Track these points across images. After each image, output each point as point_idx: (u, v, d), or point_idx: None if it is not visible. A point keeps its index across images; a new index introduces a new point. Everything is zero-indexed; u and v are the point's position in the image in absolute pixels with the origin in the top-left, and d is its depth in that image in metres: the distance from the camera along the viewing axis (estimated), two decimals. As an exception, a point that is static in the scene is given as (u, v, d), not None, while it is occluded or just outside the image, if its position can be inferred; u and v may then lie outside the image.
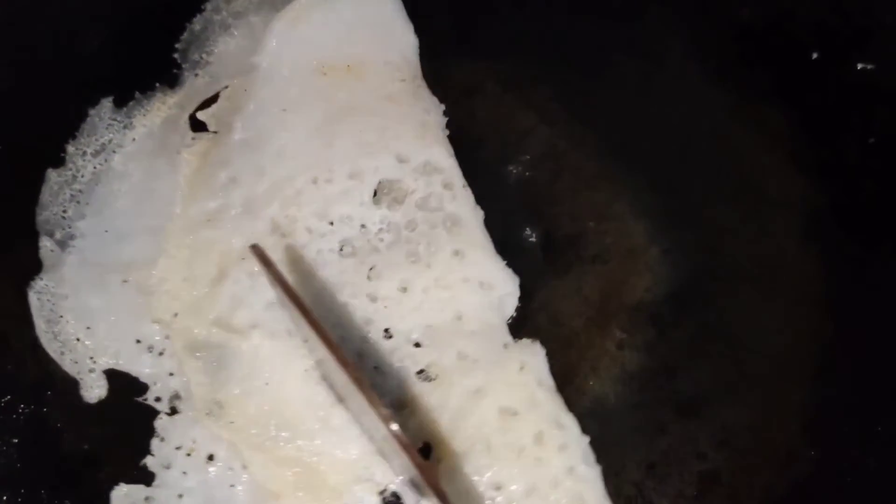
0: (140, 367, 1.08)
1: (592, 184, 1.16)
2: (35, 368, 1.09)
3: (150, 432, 1.05)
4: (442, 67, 1.22)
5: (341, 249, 1.09)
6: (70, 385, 1.08)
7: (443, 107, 1.17)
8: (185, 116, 1.20)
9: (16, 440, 1.05)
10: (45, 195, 1.15)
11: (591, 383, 1.07)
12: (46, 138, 1.17)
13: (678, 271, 1.11)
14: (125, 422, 1.07)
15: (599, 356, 1.08)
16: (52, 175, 1.16)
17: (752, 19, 1.17)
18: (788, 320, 1.08)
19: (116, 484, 1.03)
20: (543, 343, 1.05)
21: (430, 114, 1.16)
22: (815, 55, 1.12)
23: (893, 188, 1.07)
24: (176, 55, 1.24)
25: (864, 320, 1.05)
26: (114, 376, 1.08)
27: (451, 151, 1.14)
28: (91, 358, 1.08)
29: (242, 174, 1.14)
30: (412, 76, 1.19)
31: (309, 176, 1.12)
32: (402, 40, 1.20)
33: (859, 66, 1.09)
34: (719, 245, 1.12)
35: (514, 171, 1.18)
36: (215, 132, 1.17)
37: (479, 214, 1.11)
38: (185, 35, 1.25)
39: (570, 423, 1.00)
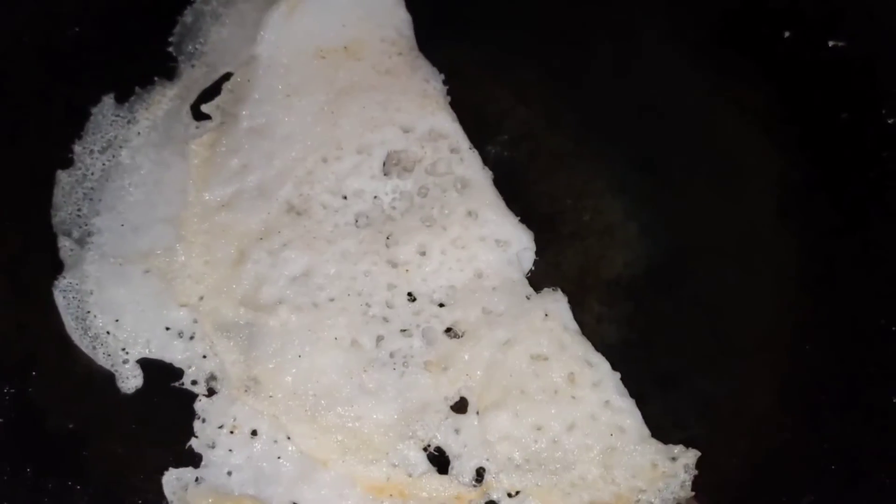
0: (173, 353, 1.10)
1: (570, 163, 1.18)
2: (19, 349, 1.10)
3: (191, 415, 1.07)
4: (420, 49, 1.24)
5: (356, 222, 1.12)
6: (53, 365, 1.09)
7: (442, 75, 1.21)
8: (187, 107, 1.21)
9: (1, 420, 1.06)
10: (58, 196, 1.16)
11: (571, 356, 1.06)
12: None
13: (656, 247, 1.13)
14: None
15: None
16: (63, 176, 1.17)
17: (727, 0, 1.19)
18: (766, 294, 1.09)
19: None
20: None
21: (430, 82, 1.19)
22: (787, 34, 1.14)
23: (867, 162, 1.09)
24: (170, 48, 1.25)
25: (842, 294, 1.06)
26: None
27: (454, 117, 1.17)
28: (123, 349, 1.09)
29: (253, 160, 1.16)
30: (408, 48, 1.22)
31: (318, 155, 1.15)
32: (396, 16, 1.23)
33: (830, 44, 1.11)
34: (697, 221, 1.14)
35: (493, 151, 1.20)
36: (221, 123, 1.19)
37: (488, 175, 1.14)
38: (178, 28, 1.26)
39: (599, 360, 1.04)
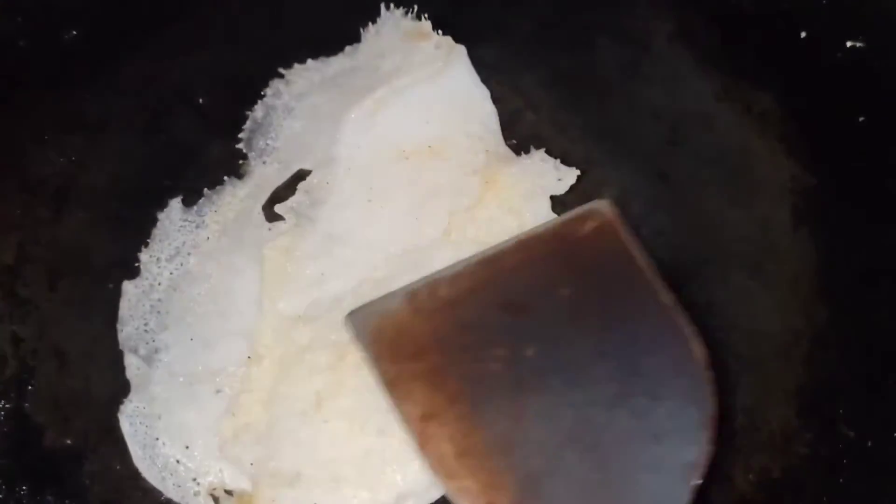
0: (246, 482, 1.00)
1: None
2: (15, 364, 1.03)
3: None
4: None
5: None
6: (50, 380, 1.04)
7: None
8: (258, 208, 1.13)
9: (-3, 436, 1.01)
10: (125, 310, 1.08)
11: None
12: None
13: (668, 255, 1.08)
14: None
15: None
16: (129, 287, 1.09)
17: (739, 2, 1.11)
18: (780, 303, 1.05)
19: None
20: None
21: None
22: (803, 34, 1.07)
23: (883, 168, 1.03)
24: (240, 145, 1.18)
25: (857, 302, 1.02)
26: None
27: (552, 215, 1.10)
28: (194, 479, 1.00)
29: (332, 268, 1.08)
30: (496, 144, 1.14)
31: (404, 262, 1.06)
32: (481, 110, 1.16)
33: (849, 45, 1.04)
34: (709, 228, 1.11)
35: (502, 157, 1.15)
36: (296, 225, 1.11)
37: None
38: (248, 124, 1.18)
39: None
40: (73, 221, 1.10)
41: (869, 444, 0.95)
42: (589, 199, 1.10)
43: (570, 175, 1.10)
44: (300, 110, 1.19)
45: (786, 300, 1.05)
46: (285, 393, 1.00)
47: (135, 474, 1.02)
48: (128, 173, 1.14)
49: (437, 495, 0.95)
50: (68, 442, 1.02)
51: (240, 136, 1.18)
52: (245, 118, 1.19)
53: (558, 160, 1.11)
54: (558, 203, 1.10)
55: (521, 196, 1.08)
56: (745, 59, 1.12)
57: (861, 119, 1.04)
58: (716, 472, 0.94)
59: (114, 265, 1.10)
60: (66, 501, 0.99)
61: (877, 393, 0.97)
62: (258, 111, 1.19)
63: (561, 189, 1.09)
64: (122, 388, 1.05)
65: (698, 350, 0.92)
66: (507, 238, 1.02)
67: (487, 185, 1.09)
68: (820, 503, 0.94)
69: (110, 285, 1.09)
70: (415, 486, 0.94)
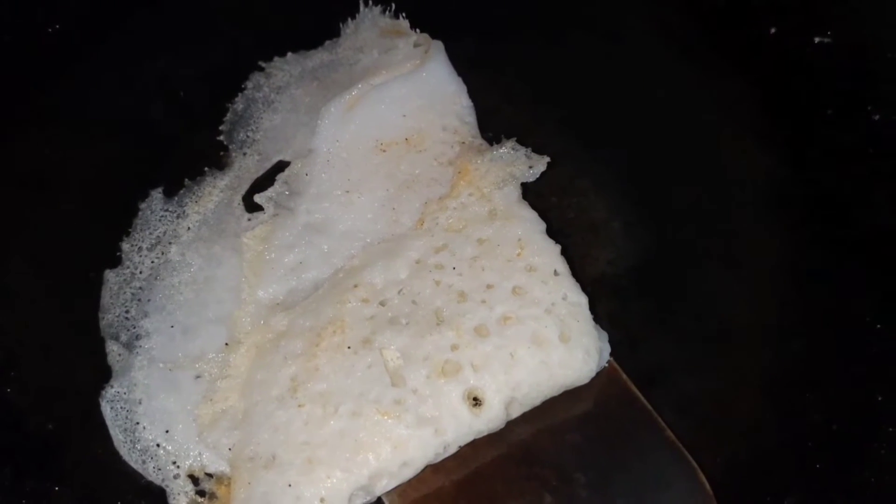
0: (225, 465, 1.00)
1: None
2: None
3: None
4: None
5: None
6: (33, 366, 1.04)
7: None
8: (239, 198, 1.15)
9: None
10: (106, 298, 1.08)
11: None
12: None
13: (640, 245, 1.12)
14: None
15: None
16: (111, 276, 1.09)
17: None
18: (750, 292, 1.07)
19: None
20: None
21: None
22: (773, 30, 1.12)
23: (854, 159, 1.07)
24: (221, 137, 1.19)
25: (827, 291, 1.04)
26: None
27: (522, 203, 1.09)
28: (174, 462, 1.00)
29: (309, 257, 1.09)
30: (471, 136, 1.15)
31: (379, 251, 1.07)
32: (457, 104, 1.17)
33: (816, 41, 1.09)
34: (681, 219, 1.12)
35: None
36: (275, 215, 1.12)
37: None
38: (229, 116, 1.20)
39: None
40: (56, 212, 1.12)
41: (835, 427, 0.97)
42: (562, 190, 1.14)
43: (541, 162, 1.10)
44: (280, 103, 1.22)
45: (756, 289, 1.07)
46: (262, 378, 1.00)
47: (116, 459, 1.02)
48: (110, 165, 1.15)
49: (409, 474, 0.95)
50: (50, 427, 1.02)
51: (221, 128, 1.20)
52: (226, 111, 1.21)
53: (529, 149, 1.11)
54: (530, 191, 1.10)
55: (492, 184, 1.08)
56: (716, 53, 1.15)
57: (829, 112, 1.08)
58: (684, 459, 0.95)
59: (96, 255, 1.11)
60: (48, 485, 0.99)
61: (844, 379, 0.99)
62: (239, 104, 1.21)
63: (532, 176, 1.09)
64: (103, 375, 1.06)
65: (705, 482, 0.94)
66: (477, 224, 1.05)
67: (460, 174, 1.10)
68: (788, 487, 0.95)
69: (92, 274, 1.09)
70: (388, 466, 0.94)
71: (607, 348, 1.02)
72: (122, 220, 1.13)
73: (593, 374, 1.00)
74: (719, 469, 0.98)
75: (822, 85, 1.09)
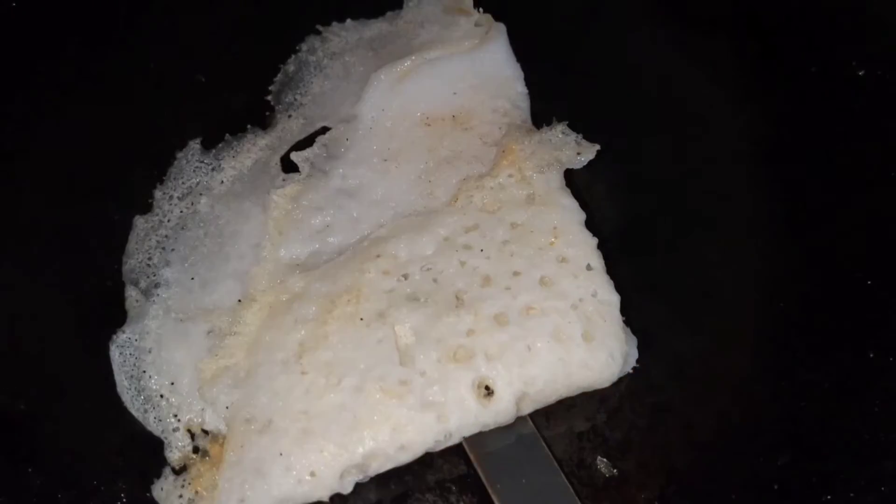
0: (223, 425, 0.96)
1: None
2: None
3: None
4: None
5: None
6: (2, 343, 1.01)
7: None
8: (277, 158, 1.12)
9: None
10: (132, 243, 1.07)
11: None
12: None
13: (624, 208, 1.08)
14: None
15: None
16: (140, 222, 1.08)
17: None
18: (736, 252, 1.04)
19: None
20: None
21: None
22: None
23: (836, 115, 1.05)
24: (269, 97, 1.16)
25: (816, 248, 1.01)
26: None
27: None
28: (175, 416, 0.97)
29: (337, 221, 1.05)
30: (521, 120, 1.10)
31: (408, 224, 1.02)
32: (512, 89, 1.13)
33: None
34: (665, 180, 1.09)
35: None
36: (309, 176, 1.08)
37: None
38: (279, 76, 1.18)
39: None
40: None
41: (826, 385, 0.94)
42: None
43: (591, 150, 1.04)
44: (332, 69, 1.18)
45: (742, 249, 1.04)
46: (269, 340, 0.96)
47: (93, 438, 0.98)
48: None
49: (406, 459, 0.90)
50: (22, 407, 1.00)
51: (270, 87, 1.17)
52: (277, 71, 1.18)
53: (580, 135, 1.06)
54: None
55: (535, 167, 1.03)
56: (700, 8, 1.14)
57: (813, 69, 1.07)
58: (674, 419, 0.96)
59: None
60: (20, 466, 0.96)
61: (835, 337, 0.96)
62: (290, 65, 1.18)
63: (578, 164, 1.04)
64: (77, 354, 1.02)
65: None
66: (512, 207, 1.00)
67: (504, 153, 1.04)
68: (780, 447, 0.92)
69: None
70: (384, 447, 0.89)
71: (634, 354, 0.96)
72: (158, 169, 1.12)
73: (615, 378, 0.93)
74: (711, 430, 0.95)
75: (804, 39, 1.08)
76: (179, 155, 1.12)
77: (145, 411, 0.99)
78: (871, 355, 0.94)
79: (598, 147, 1.04)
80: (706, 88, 1.12)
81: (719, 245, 1.05)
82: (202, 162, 1.11)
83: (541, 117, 1.11)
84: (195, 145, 1.12)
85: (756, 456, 0.93)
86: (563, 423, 0.97)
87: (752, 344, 0.99)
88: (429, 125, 1.10)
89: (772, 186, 1.06)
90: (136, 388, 1.00)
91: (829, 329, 0.97)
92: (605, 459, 0.96)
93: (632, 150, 1.09)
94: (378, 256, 0.99)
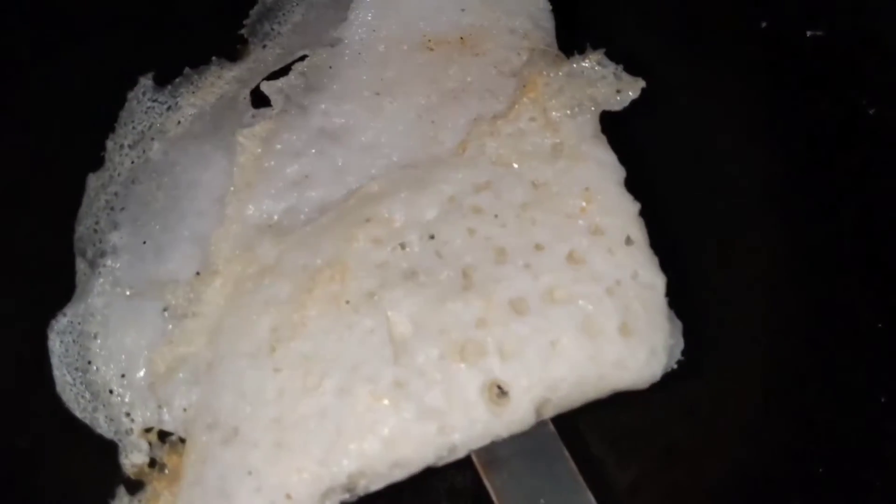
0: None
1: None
2: None
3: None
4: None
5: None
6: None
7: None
8: (246, 92, 0.93)
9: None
10: (84, 206, 0.90)
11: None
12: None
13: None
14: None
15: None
16: (92, 180, 0.91)
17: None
18: (748, 292, 1.00)
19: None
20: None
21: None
22: (763, 24, 1.07)
23: (848, 152, 1.01)
24: (243, 30, 0.98)
25: (826, 289, 0.98)
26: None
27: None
28: (128, 414, 0.81)
29: (319, 171, 0.86)
30: (545, 45, 0.88)
31: (405, 177, 0.83)
32: (533, 4, 0.92)
33: (809, 34, 1.04)
34: (675, 218, 0.98)
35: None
36: (283, 111, 0.88)
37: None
38: (256, 7, 0.99)
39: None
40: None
41: (837, 430, 0.92)
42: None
43: (634, 86, 0.83)
44: None
45: (754, 290, 1.00)
46: (234, 325, 0.79)
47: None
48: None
49: (400, 476, 0.74)
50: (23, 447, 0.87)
51: (244, 21, 0.99)
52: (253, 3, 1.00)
53: (620, 66, 0.85)
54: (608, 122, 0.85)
55: (563, 107, 0.82)
56: (708, 48, 1.09)
57: (823, 106, 1.03)
58: (684, 462, 0.93)
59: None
60: None
61: (846, 381, 0.94)
62: None
63: (618, 104, 0.83)
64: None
65: None
66: (534, 160, 0.80)
67: (525, 89, 0.84)
68: (791, 491, 0.91)
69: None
70: (375, 464, 0.72)
71: (679, 344, 0.78)
72: (110, 115, 0.94)
73: (657, 378, 0.76)
74: (721, 473, 0.93)
75: (815, 79, 1.04)
76: (130, 95, 0.93)
77: (94, 410, 0.83)
78: (883, 399, 0.91)
79: (642, 82, 0.84)
80: (717, 126, 1.05)
81: (730, 284, 0.99)
82: (155, 101, 0.92)
83: (569, 43, 0.90)
84: (146, 81, 0.93)
85: (767, 500, 0.91)
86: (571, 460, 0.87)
87: (763, 387, 0.95)
88: (431, 49, 0.90)
89: (782, 225, 1.01)
90: (81, 382, 0.83)
91: (839, 373, 0.94)
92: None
93: (644, 186, 0.93)
94: (368, 220, 0.80)
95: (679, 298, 0.91)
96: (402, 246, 0.79)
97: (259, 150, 0.87)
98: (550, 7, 0.92)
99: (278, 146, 0.87)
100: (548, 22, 0.91)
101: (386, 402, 0.73)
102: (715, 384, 0.95)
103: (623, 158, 0.88)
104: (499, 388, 0.74)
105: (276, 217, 0.85)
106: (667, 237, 0.97)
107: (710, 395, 0.95)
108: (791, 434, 0.93)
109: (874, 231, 0.99)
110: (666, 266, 0.90)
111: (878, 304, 0.96)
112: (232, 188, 0.86)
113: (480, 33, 0.90)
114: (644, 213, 0.87)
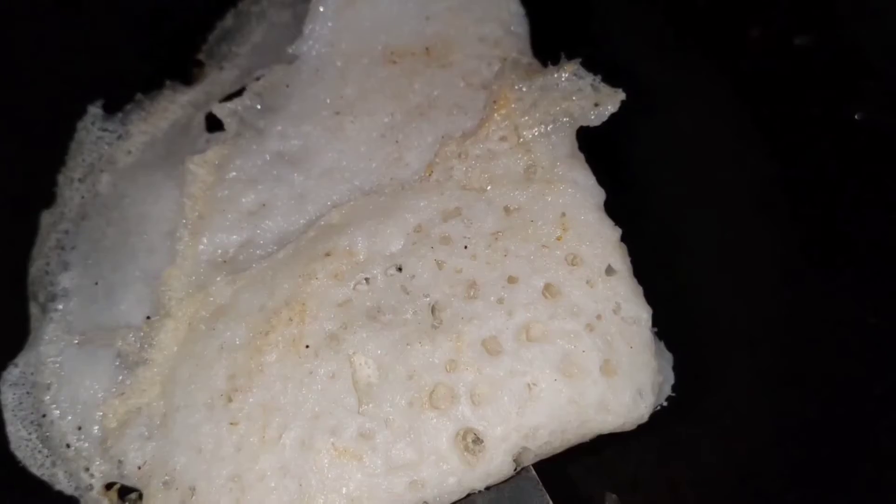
0: (142, 483, 0.76)
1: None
2: None
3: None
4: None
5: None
6: None
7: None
8: (201, 117, 0.86)
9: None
10: (37, 246, 0.85)
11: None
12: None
13: (634, 249, 0.91)
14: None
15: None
16: (45, 217, 0.85)
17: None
18: (743, 290, 0.99)
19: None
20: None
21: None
22: (754, 32, 1.08)
23: (837, 157, 1.02)
24: (201, 55, 0.93)
25: (821, 287, 0.97)
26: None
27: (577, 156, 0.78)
28: (87, 469, 0.76)
29: (275, 199, 0.80)
30: (518, 52, 0.81)
31: (369, 205, 0.77)
32: (503, 8, 0.84)
33: (797, 42, 1.05)
34: (670, 221, 1.02)
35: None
36: (237, 136, 0.82)
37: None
38: (215, 32, 0.94)
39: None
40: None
41: (832, 424, 0.92)
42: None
43: (613, 99, 0.76)
44: (279, 17, 0.94)
45: (749, 290, 0.99)
46: (189, 374, 0.73)
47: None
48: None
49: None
50: None
51: (203, 46, 0.93)
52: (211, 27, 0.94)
53: (598, 77, 0.77)
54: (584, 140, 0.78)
55: (537, 124, 0.75)
56: (699, 55, 1.08)
57: (813, 111, 1.03)
58: (686, 455, 0.92)
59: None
60: None
61: (840, 376, 0.94)
62: (228, 19, 0.94)
63: (595, 120, 0.76)
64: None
65: None
66: (506, 184, 0.73)
67: (496, 105, 0.77)
68: (787, 484, 0.90)
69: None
70: (342, 526, 0.68)
71: (670, 378, 0.72)
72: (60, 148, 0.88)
73: (644, 419, 0.69)
74: (718, 467, 0.92)
75: (803, 85, 1.05)
76: (80, 125, 0.87)
77: (52, 465, 0.78)
78: (877, 393, 0.91)
79: (622, 94, 0.76)
80: (709, 132, 1.04)
81: (723, 284, 0.98)
82: (105, 130, 0.86)
83: (544, 51, 0.83)
84: (95, 110, 0.87)
85: (764, 493, 0.90)
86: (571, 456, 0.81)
87: (759, 382, 0.94)
88: (394, 62, 0.83)
89: (775, 227, 1.00)
90: (38, 436, 0.78)
91: (834, 367, 0.93)
92: (613, 495, 0.90)
93: (638, 198, 0.97)
94: (328, 255, 0.74)
95: (676, 305, 0.87)
96: (366, 281, 0.73)
97: (211, 179, 0.81)
98: (524, 11, 0.85)
99: (232, 173, 0.80)
100: (521, 27, 0.84)
101: (350, 455, 0.67)
102: (711, 381, 0.93)
103: (607, 170, 0.81)
104: (474, 435, 0.69)
105: (230, 252, 0.79)
106: (663, 246, 0.97)
107: (707, 390, 0.93)
108: (786, 428, 0.93)
109: (863, 231, 0.98)
110: (663, 274, 0.87)
111: (872, 300, 0.95)
112: (183, 220, 0.79)
113: (447, 43, 0.83)
114: (629, 224, 0.80)
